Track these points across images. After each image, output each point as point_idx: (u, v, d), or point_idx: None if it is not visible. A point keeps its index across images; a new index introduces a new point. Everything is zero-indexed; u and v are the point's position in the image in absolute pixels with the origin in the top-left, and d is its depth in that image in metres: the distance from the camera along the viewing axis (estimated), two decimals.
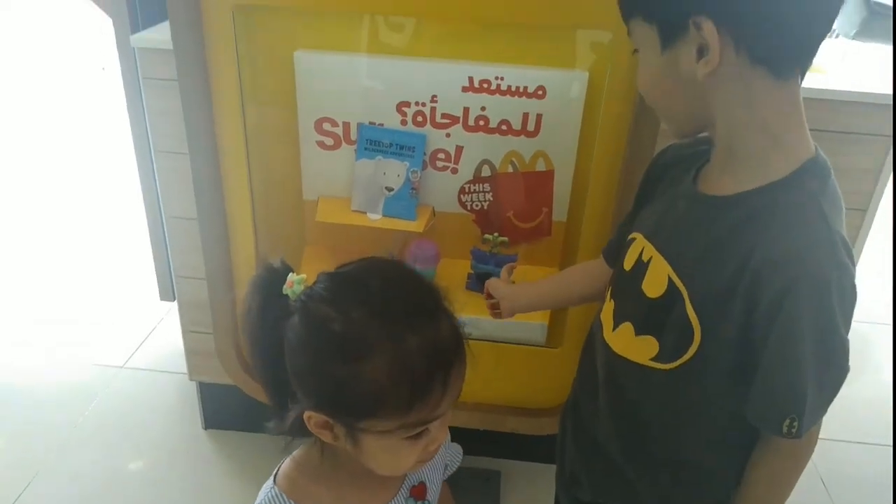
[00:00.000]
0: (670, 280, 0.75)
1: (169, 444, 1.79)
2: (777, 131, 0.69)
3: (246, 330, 0.71)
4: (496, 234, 1.35)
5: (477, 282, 1.39)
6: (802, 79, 0.70)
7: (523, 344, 1.38)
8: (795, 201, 0.69)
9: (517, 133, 1.28)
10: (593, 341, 0.90)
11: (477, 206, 1.37)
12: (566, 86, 1.23)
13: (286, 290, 0.68)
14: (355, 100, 1.30)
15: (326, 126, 1.32)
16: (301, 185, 1.39)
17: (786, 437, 0.71)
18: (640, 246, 0.81)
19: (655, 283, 0.76)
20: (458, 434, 1.44)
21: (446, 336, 0.66)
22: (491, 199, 1.36)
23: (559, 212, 1.36)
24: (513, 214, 1.38)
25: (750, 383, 0.71)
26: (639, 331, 0.79)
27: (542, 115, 1.25)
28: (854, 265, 0.68)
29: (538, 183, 1.33)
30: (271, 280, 0.70)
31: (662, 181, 0.85)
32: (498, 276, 1.38)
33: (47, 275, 2.50)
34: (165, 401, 1.92)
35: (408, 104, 1.28)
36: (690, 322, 0.73)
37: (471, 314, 1.37)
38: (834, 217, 0.68)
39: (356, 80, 1.29)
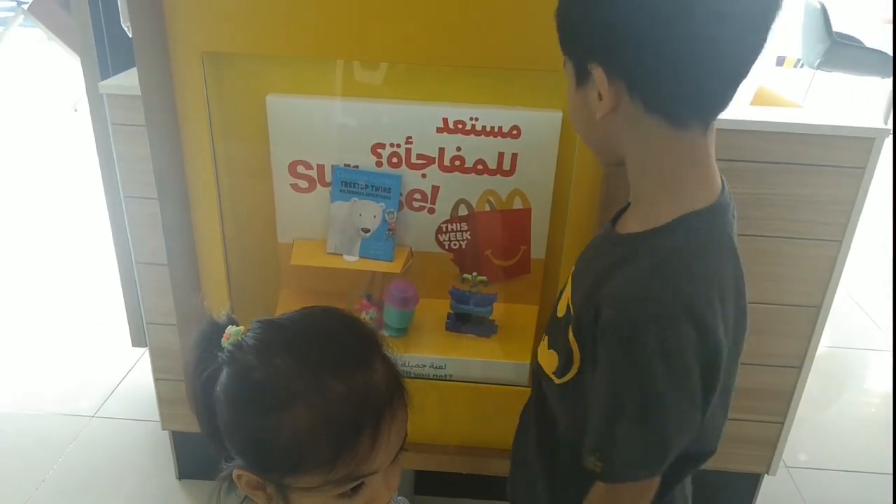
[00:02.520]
0: (568, 304, 0.79)
1: (142, 496, 1.73)
2: (670, 179, 0.70)
3: (186, 387, 0.68)
4: (475, 273, 1.33)
5: (457, 322, 1.37)
6: (707, 128, 0.69)
7: (505, 384, 1.36)
8: (653, 250, 0.69)
9: (493, 172, 1.27)
10: None
11: (455, 245, 1.36)
12: (540, 125, 1.23)
13: (224, 342, 0.66)
14: (329, 142, 1.28)
15: (300, 169, 1.30)
16: (275, 228, 1.37)
17: (597, 475, 0.71)
18: (570, 271, 0.86)
19: (562, 304, 0.81)
20: (441, 476, 1.40)
21: (378, 386, 0.63)
22: (469, 237, 1.35)
23: (537, 249, 1.35)
24: (491, 253, 1.37)
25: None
26: (550, 345, 0.83)
27: (517, 154, 1.25)
28: (707, 331, 0.65)
29: (515, 221, 1.32)
30: (212, 334, 0.67)
31: None
32: (478, 315, 1.37)
33: (14, 320, 2.43)
34: (138, 451, 1.86)
35: (382, 146, 1.26)
36: (571, 346, 0.75)
37: (451, 355, 1.36)
38: (687, 279, 0.67)
39: (330, 122, 1.28)
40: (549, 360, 0.82)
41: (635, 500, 0.73)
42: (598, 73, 0.67)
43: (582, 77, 0.70)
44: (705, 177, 0.70)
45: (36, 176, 3.75)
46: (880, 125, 1.27)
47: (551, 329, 0.84)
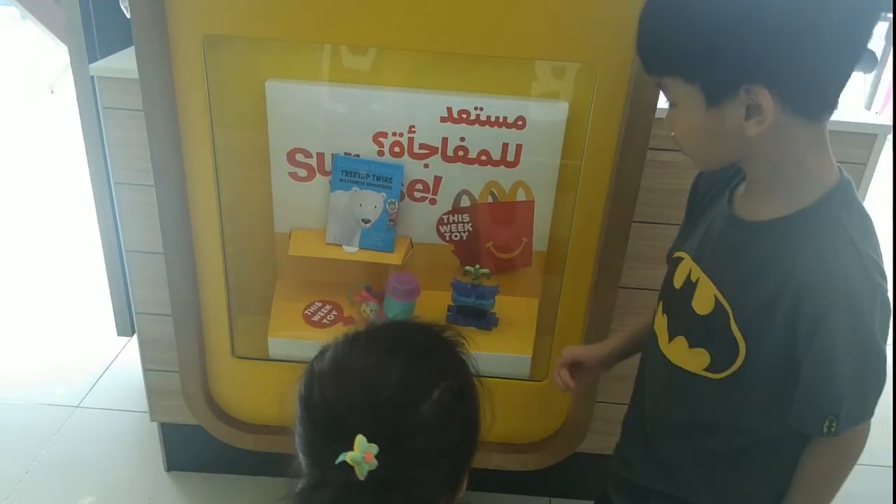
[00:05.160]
0: (716, 299, 0.82)
1: (129, 488, 1.70)
2: (808, 165, 0.76)
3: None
4: (478, 266, 1.32)
5: (458, 314, 1.36)
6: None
7: (507, 378, 1.35)
8: (824, 228, 0.75)
9: (497, 163, 1.25)
10: (648, 352, 0.96)
11: (456, 237, 1.34)
12: (546, 116, 1.22)
13: (355, 463, 0.59)
14: (329, 130, 1.26)
15: (299, 157, 1.27)
16: (272, 218, 1.34)
17: (827, 437, 0.77)
18: (687, 266, 0.87)
19: (703, 301, 0.83)
20: None
21: None
22: (470, 229, 1.33)
23: (539, 242, 1.34)
24: (492, 245, 1.35)
25: (789, 392, 0.77)
26: (692, 344, 0.86)
27: (521, 145, 1.23)
28: (885, 280, 0.74)
29: (518, 213, 1.31)
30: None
31: (701, 204, 0.91)
32: (480, 308, 1.35)
33: None
34: (124, 442, 1.82)
35: (385, 134, 1.24)
36: (735, 338, 0.80)
37: None
38: (862, 239, 0.74)
39: (330, 110, 1.25)
40: (695, 359, 0.85)
41: (858, 442, 0.81)
42: (763, 95, 0.70)
43: (720, 97, 0.73)
44: (830, 157, 0.77)
45: (10, 159, 3.65)
46: (882, 121, 1.28)
47: (687, 328, 0.86)
